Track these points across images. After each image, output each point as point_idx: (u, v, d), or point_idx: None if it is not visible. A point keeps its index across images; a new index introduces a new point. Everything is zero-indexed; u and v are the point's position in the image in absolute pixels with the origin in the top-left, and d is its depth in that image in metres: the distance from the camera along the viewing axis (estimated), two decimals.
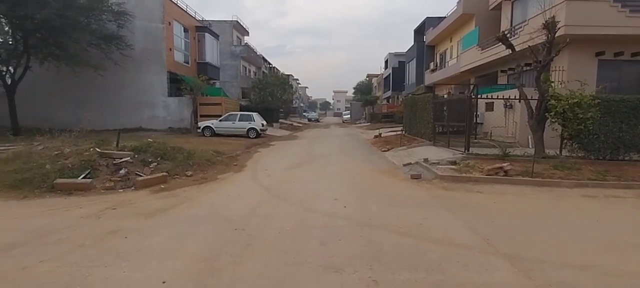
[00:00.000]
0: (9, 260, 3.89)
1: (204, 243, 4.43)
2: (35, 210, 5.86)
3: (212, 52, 26.16)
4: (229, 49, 33.85)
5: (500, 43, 11.91)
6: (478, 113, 16.22)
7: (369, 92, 57.24)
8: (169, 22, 20.94)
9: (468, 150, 10.52)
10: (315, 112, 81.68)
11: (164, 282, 3.39)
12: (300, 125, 39.73)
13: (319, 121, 59.19)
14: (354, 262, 3.88)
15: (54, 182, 7.01)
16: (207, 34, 25.37)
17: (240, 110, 22.60)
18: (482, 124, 15.38)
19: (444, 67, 25.40)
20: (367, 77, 67.58)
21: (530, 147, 11.20)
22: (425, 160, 10.19)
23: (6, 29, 16.31)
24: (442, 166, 9.34)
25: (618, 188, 7.79)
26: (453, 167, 9.20)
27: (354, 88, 63.84)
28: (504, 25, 16.90)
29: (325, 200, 6.63)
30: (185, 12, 23.78)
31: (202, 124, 19.39)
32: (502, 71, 17.14)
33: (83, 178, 7.33)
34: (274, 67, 50.93)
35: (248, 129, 19.11)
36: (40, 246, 4.28)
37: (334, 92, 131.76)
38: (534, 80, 10.25)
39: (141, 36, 20.07)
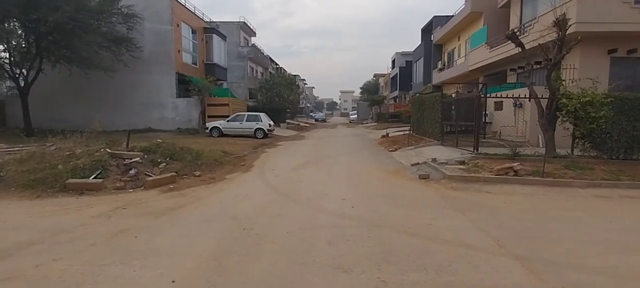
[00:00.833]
0: (24, 258, 3.97)
1: (213, 242, 4.47)
2: (48, 210, 5.97)
3: (219, 53, 26.34)
4: (236, 49, 34.06)
5: (509, 41, 11.77)
6: (487, 112, 16.06)
7: (375, 92, 57.09)
8: (177, 24, 21.15)
9: (477, 150, 10.41)
10: (322, 112, 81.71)
11: (173, 282, 3.42)
12: (307, 125, 39.77)
13: (325, 121, 59.20)
14: (362, 262, 3.87)
15: (66, 182, 7.13)
16: (214, 35, 25.56)
17: (248, 111, 22.73)
18: (490, 123, 15.21)
19: (452, 66, 25.19)
20: (374, 76, 67.40)
21: (541, 146, 11.03)
22: (434, 160, 10.12)
23: (19, 32, 16.65)
24: (451, 166, 9.26)
25: (632, 189, 7.63)
26: (462, 167, 9.11)
27: (361, 88, 63.78)
28: (513, 23, 16.68)
29: (333, 200, 6.62)
30: (193, 13, 24.00)
31: (210, 124, 19.55)
32: (511, 70, 16.93)
33: (94, 178, 7.44)
34: (281, 68, 51.09)
35: (255, 129, 19.20)
36: (54, 244, 4.36)
37: (341, 92, 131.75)
38: (545, 79, 10.10)
39: (150, 38, 20.31)
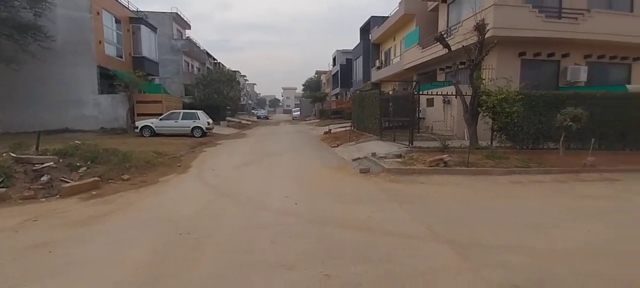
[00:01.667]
0: None
1: (146, 249, 4.09)
2: None
3: (149, 46, 24.35)
4: (169, 43, 31.81)
5: (438, 42, 12.69)
6: (420, 108, 17.18)
7: (318, 89, 57.81)
8: (97, 12, 19.03)
9: (412, 144, 11.09)
10: (264, 109, 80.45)
11: None
12: (249, 123, 38.81)
13: (268, 118, 58.40)
14: (305, 258, 3.86)
15: None
16: (142, 26, 23.54)
17: (184, 108, 21.39)
18: (424, 118, 16.32)
19: (389, 64, 26.52)
20: (315, 73, 68.15)
21: (466, 139, 12.13)
22: (373, 154, 10.53)
23: None
24: (389, 160, 9.73)
25: (539, 174, 8.75)
26: (399, 160, 9.62)
27: (303, 85, 64.03)
28: (441, 26, 18.04)
29: (276, 198, 6.52)
30: (117, 1, 21.82)
31: (140, 123, 17.98)
32: (440, 69, 18.33)
33: None
34: (220, 63, 49.03)
35: (192, 128, 18.17)
36: None
37: (283, 88, 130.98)
38: (468, 78, 11.10)
39: (64, 26, 17.99)
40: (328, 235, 4.58)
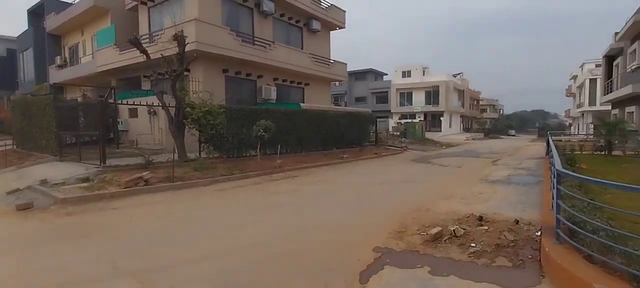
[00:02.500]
0: None
1: None
2: None
3: None
4: None
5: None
6: (121, 120, 14.69)
7: None
8: None
9: (104, 163, 8.93)
10: None
11: None
12: None
13: None
14: None
15: None
16: None
17: None
18: (126, 131, 14.07)
19: (78, 64, 21.19)
20: None
21: (177, 152, 11.40)
22: (43, 181, 7.55)
23: None
24: (69, 186, 7.25)
25: (241, 179, 9.44)
26: (84, 185, 7.37)
27: None
28: (144, 28, 16.42)
29: None
30: None
31: None
32: (144, 76, 16.60)
33: None
34: None
35: None
36: None
37: None
38: (170, 88, 10.43)
39: None
40: None
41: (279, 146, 12.13)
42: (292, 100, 19.08)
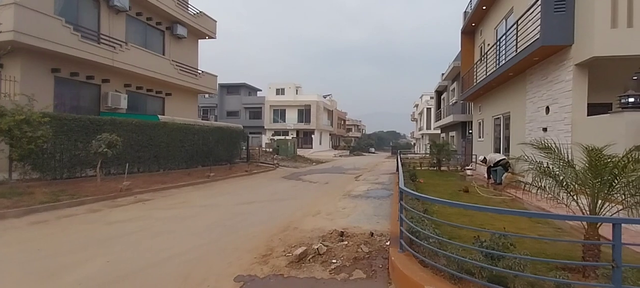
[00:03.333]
0: None
1: None
2: None
3: None
4: None
5: None
6: None
7: None
8: None
9: None
10: None
11: None
12: None
13: None
14: None
15: None
16: None
17: None
18: None
19: None
20: None
21: None
22: None
23: None
24: None
25: (72, 207, 7.50)
26: None
27: None
28: None
29: None
30: None
31: None
32: None
33: None
34: None
35: None
36: None
37: None
38: None
39: None
40: None
41: (128, 165, 10.28)
42: (149, 111, 16.77)
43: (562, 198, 3.75)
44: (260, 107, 45.43)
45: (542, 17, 7.93)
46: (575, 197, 3.63)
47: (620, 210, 3.40)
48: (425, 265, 3.57)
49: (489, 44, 14.47)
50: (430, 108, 39.20)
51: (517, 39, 9.74)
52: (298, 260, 4.45)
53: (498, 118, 13.58)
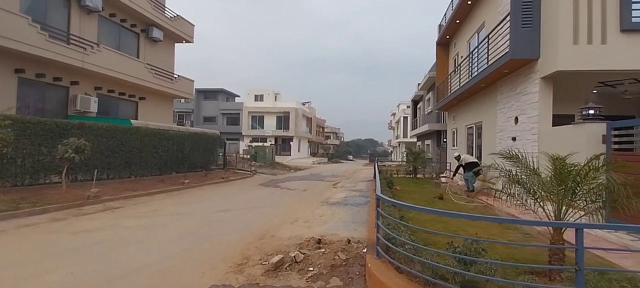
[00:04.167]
0: None
1: None
2: None
3: None
4: None
5: None
6: None
7: None
8: None
9: None
10: None
11: None
12: None
13: None
14: None
15: None
16: None
17: None
18: None
19: None
20: None
21: None
22: None
23: None
24: None
25: (33, 216, 7.06)
26: None
27: None
28: None
29: None
30: None
31: None
32: None
33: None
34: None
35: None
36: None
37: None
38: None
39: None
40: None
41: (97, 171, 9.83)
42: (121, 115, 16.16)
43: (530, 204, 3.91)
44: (238, 113, 44.85)
45: (511, 32, 8.33)
46: (541, 204, 3.79)
47: (583, 215, 3.57)
48: (400, 272, 3.60)
49: (462, 56, 15.01)
50: (407, 117, 40.08)
51: (488, 52, 10.16)
52: (274, 269, 4.38)
53: (471, 127, 14.05)
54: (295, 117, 44.12)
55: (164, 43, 18.86)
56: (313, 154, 53.72)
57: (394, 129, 55.96)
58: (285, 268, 4.45)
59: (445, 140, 19.97)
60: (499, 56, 9.10)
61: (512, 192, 4.00)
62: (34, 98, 12.42)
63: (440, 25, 18.72)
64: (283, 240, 5.70)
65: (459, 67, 14.32)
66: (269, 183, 15.76)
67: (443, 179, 14.87)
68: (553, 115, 8.19)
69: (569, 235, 3.28)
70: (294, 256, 4.71)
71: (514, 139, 9.42)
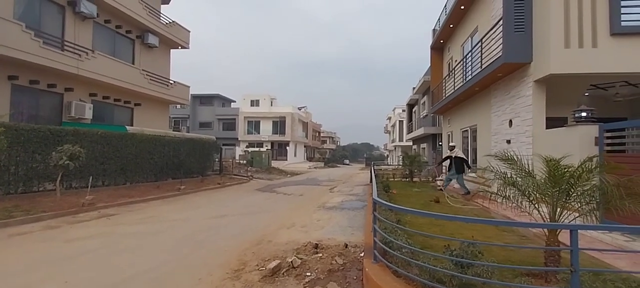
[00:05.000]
0: None
1: None
2: None
3: None
4: None
5: None
6: None
7: None
8: None
9: None
10: None
11: None
12: None
13: None
14: None
15: None
16: None
17: None
18: None
19: None
20: None
21: None
22: None
23: None
24: None
25: (26, 224, 6.98)
26: None
27: None
28: None
29: None
30: None
31: None
32: None
33: None
34: None
35: None
36: None
37: None
38: None
39: None
40: None
41: (92, 178, 9.75)
42: (116, 121, 16.06)
43: (525, 207, 3.94)
44: (234, 119, 44.78)
45: (504, 36, 8.43)
46: (536, 206, 3.82)
47: (577, 217, 3.61)
48: (398, 275, 3.60)
49: (456, 60, 15.15)
50: (402, 121, 40.26)
51: (482, 56, 10.27)
52: (271, 274, 4.37)
53: (466, 130, 14.15)
54: (291, 121, 44.14)
55: (160, 49, 18.83)
56: (309, 159, 53.69)
57: (389, 133, 56.14)
58: (283, 273, 4.44)
59: (440, 143, 20.07)
60: (493, 60, 9.20)
61: (507, 194, 4.03)
62: (28, 105, 12.33)
63: (434, 29, 18.90)
64: (280, 246, 5.68)
65: (453, 71, 14.44)
66: (265, 188, 15.72)
67: (439, 182, 14.93)
68: (547, 118, 8.28)
69: (564, 236, 3.31)
70: (291, 261, 4.70)
71: (508, 141, 9.50)
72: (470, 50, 12.02)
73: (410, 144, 32.09)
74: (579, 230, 2.75)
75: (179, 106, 37.75)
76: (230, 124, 44.94)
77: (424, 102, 24.73)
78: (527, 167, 4.11)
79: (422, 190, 12.89)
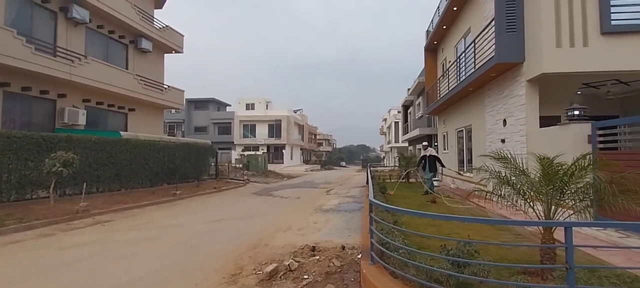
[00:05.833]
0: None
1: None
2: None
3: None
4: None
5: None
6: None
7: None
8: None
9: None
10: None
11: None
12: None
13: None
14: None
15: None
16: None
17: None
18: None
19: None
20: None
21: None
22: None
23: None
24: None
25: (19, 232, 6.89)
26: None
27: None
28: None
29: None
30: None
31: None
32: None
33: None
34: None
35: None
36: None
37: None
38: None
39: None
40: None
41: (86, 184, 9.66)
42: (110, 127, 15.93)
43: (520, 205, 3.97)
44: (230, 122, 44.64)
45: (496, 36, 8.51)
46: (531, 204, 3.85)
47: (571, 214, 3.64)
48: (395, 276, 3.60)
49: (450, 61, 15.25)
50: (398, 122, 40.37)
51: (475, 56, 10.35)
52: (269, 278, 4.34)
53: (461, 131, 14.23)
54: (287, 124, 44.10)
55: (154, 54, 18.74)
56: (306, 161, 53.63)
57: (385, 134, 56.27)
58: (280, 277, 4.41)
59: (436, 143, 20.15)
60: (486, 60, 9.27)
61: (502, 193, 4.05)
62: (20, 112, 12.19)
63: (427, 31, 19.01)
64: (277, 249, 5.66)
65: (447, 72, 14.53)
66: (262, 192, 15.66)
67: (435, 183, 14.96)
68: (540, 116, 8.35)
69: (560, 234, 3.34)
70: (288, 264, 4.68)
71: (503, 141, 9.56)
72: (464, 51, 12.11)
73: (406, 144, 32.20)
74: (573, 227, 2.76)
75: (173, 111, 37.55)
76: (225, 128, 44.80)
77: (419, 103, 24.85)
78: (521, 165, 4.14)
79: (418, 191, 12.93)
